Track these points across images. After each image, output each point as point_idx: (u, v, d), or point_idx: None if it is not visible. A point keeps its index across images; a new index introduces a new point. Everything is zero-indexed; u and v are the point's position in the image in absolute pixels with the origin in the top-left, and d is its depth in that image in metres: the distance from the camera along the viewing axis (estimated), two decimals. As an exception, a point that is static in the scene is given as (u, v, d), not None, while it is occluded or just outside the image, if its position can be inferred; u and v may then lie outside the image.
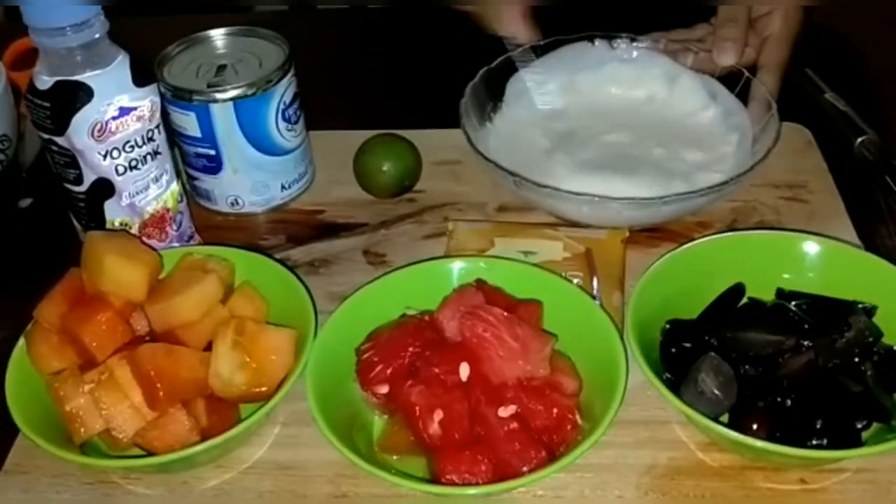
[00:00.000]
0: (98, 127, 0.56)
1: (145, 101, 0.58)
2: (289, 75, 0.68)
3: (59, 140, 0.57)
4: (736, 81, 0.72)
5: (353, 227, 0.70)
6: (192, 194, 0.71)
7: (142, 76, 0.57)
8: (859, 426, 0.51)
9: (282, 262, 0.61)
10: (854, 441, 0.50)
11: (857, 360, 0.52)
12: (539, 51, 0.75)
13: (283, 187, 0.71)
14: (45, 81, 0.55)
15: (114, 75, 0.56)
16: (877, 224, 0.67)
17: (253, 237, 0.70)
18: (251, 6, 1.95)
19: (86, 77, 0.55)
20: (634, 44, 0.77)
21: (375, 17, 1.01)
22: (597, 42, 0.76)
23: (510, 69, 0.75)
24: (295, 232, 0.70)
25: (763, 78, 0.72)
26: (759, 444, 0.48)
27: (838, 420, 0.50)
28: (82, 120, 0.55)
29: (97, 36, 0.55)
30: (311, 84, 0.71)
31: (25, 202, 0.75)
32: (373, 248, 0.68)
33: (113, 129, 0.56)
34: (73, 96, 0.55)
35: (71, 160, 0.57)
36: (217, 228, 0.70)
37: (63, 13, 0.53)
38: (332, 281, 0.65)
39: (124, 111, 0.57)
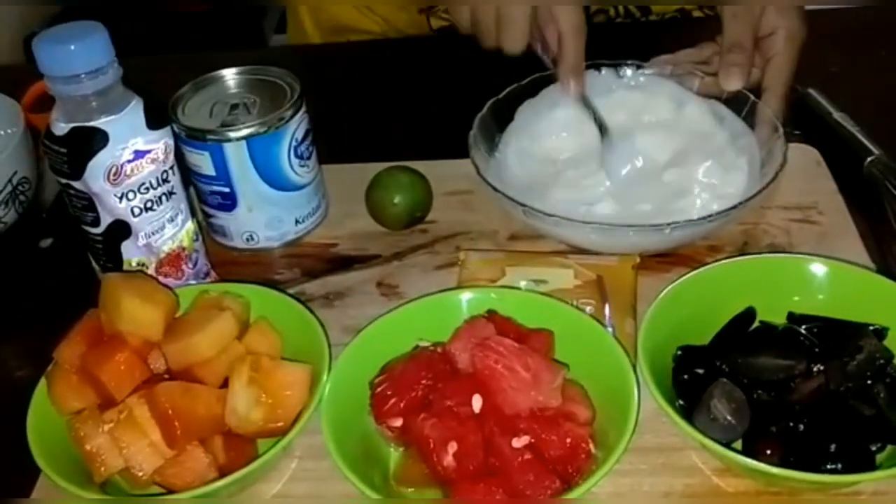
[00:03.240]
0: (114, 170, 0.57)
1: (159, 144, 0.59)
2: (300, 112, 0.69)
3: (76, 184, 0.58)
4: (742, 104, 0.73)
5: (367, 260, 0.71)
6: (207, 231, 0.72)
7: (155, 119, 0.59)
8: (873, 449, 0.50)
9: (296, 296, 0.62)
10: (868, 464, 0.50)
11: (868, 382, 0.52)
12: (547, 81, 0.76)
13: (296, 222, 0.72)
14: (61, 128, 0.57)
15: (128, 120, 0.57)
16: (888, 244, 0.67)
17: (268, 272, 0.71)
18: (264, 42, 1.99)
19: (101, 122, 0.56)
20: (640, 70, 0.77)
21: (383, 51, 1.02)
22: (603, 70, 0.77)
23: (517, 100, 0.75)
24: (309, 265, 0.71)
25: (768, 100, 0.72)
26: (774, 469, 0.48)
27: (852, 443, 0.50)
28: (98, 164, 0.57)
29: (111, 82, 0.56)
30: (321, 119, 0.73)
31: (46, 242, 0.77)
32: (386, 280, 0.69)
33: (128, 172, 0.58)
34: (89, 141, 0.56)
35: (88, 203, 0.59)
36: (233, 264, 0.71)
37: (78, 61, 0.55)
38: (347, 314, 0.66)
39: (139, 154, 0.58)
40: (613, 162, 0.71)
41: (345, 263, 0.71)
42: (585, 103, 0.73)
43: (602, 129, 0.72)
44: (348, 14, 1.02)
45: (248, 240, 0.72)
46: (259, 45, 1.94)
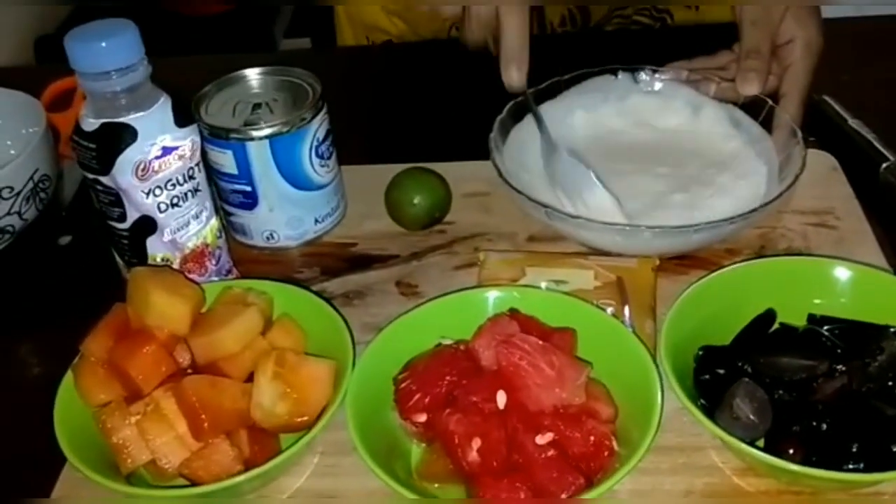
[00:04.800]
0: (142, 166, 0.58)
1: (186, 141, 0.60)
2: (322, 112, 0.69)
3: (104, 179, 0.58)
4: (759, 109, 0.74)
5: (386, 259, 0.71)
6: (228, 229, 0.73)
7: (183, 117, 0.59)
8: (895, 449, 0.51)
9: (317, 294, 0.62)
10: (890, 464, 0.50)
11: (890, 383, 0.53)
12: (563, 85, 0.77)
13: (316, 221, 0.73)
14: (91, 123, 0.57)
15: (156, 116, 0.58)
16: (905, 249, 0.67)
17: (288, 270, 0.71)
18: (274, 46, 2.00)
19: (130, 119, 0.57)
20: (657, 75, 0.78)
21: (403, 54, 1.03)
22: (620, 75, 0.78)
23: (536, 103, 0.75)
24: (329, 265, 0.72)
25: (786, 106, 0.73)
26: (797, 468, 0.49)
27: (874, 443, 0.50)
28: (127, 160, 0.57)
29: (141, 79, 0.57)
30: (341, 120, 0.73)
31: (65, 239, 0.77)
32: (405, 280, 0.69)
33: (156, 168, 0.58)
34: (118, 137, 0.57)
35: (115, 199, 0.59)
36: (253, 262, 0.72)
37: (109, 58, 0.55)
38: (367, 312, 0.66)
39: (167, 151, 0.58)
40: (561, 174, 0.69)
41: (364, 263, 0.71)
42: (531, 107, 0.71)
43: (546, 139, 0.70)
44: (374, 13, 1.03)
45: (268, 238, 0.72)
46: (270, 50, 1.95)
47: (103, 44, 0.55)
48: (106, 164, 0.57)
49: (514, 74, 0.67)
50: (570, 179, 0.68)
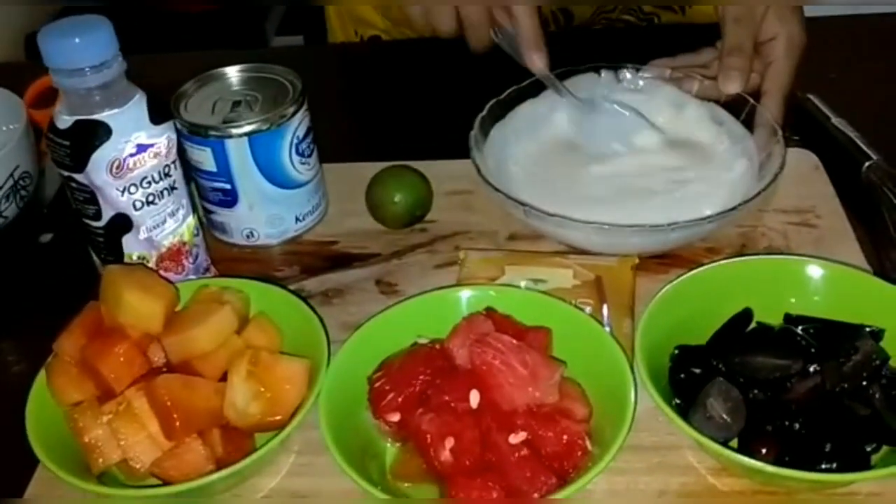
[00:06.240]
0: (116, 164, 0.57)
1: (162, 139, 0.59)
2: (302, 110, 0.69)
3: (79, 177, 0.58)
4: (741, 107, 0.73)
5: (366, 258, 0.71)
6: (207, 227, 0.73)
7: (158, 114, 0.59)
8: (868, 449, 0.51)
9: (296, 292, 0.62)
10: (863, 464, 0.50)
11: (864, 383, 0.53)
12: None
13: (297, 219, 0.72)
14: (65, 121, 0.57)
15: (131, 114, 0.58)
16: (885, 248, 0.67)
17: (267, 268, 0.71)
18: (265, 43, 2.00)
19: (104, 116, 0.57)
20: (640, 73, 0.78)
21: (385, 51, 1.03)
22: (603, 73, 0.78)
23: (518, 101, 0.76)
24: (309, 263, 0.71)
25: (767, 104, 0.73)
26: (769, 468, 0.49)
27: (847, 443, 0.50)
28: (101, 157, 0.57)
29: (115, 76, 0.56)
30: (323, 117, 0.73)
31: (46, 237, 0.77)
32: (385, 278, 0.69)
33: (131, 165, 0.58)
34: (92, 135, 0.57)
35: (90, 196, 0.59)
36: (232, 260, 0.72)
37: (82, 55, 0.55)
38: (346, 310, 0.66)
39: (142, 148, 0.58)
40: (596, 133, 0.73)
41: (344, 261, 0.71)
42: (551, 82, 0.74)
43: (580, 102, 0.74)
44: (361, 6, 1.03)
45: (248, 237, 0.72)
46: (260, 47, 1.95)
47: (77, 40, 0.55)
48: (80, 161, 0.57)
49: (537, 61, 0.73)
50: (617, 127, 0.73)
